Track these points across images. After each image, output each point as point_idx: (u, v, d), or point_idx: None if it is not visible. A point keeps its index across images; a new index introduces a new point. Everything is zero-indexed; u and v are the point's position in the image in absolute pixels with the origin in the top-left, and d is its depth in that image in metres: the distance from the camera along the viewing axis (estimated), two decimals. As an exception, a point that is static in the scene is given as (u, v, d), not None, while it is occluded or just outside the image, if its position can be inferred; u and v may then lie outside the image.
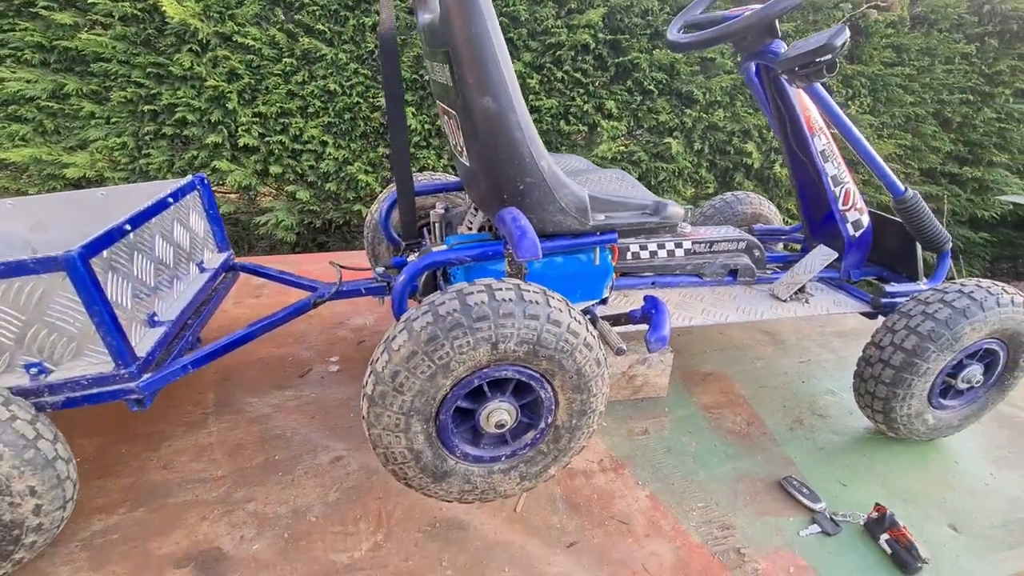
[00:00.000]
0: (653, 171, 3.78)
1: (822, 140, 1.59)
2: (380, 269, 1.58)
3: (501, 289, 0.98)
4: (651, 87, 3.57)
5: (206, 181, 1.61)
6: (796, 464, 1.47)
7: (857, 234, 1.71)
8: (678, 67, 3.57)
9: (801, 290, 1.63)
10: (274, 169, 3.06)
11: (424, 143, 3.38)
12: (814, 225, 1.84)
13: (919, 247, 1.67)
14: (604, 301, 1.43)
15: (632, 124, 3.71)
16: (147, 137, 2.83)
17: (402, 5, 2.98)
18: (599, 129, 3.63)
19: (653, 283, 1.63)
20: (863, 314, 1.64)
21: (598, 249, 1.25)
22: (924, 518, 1.32)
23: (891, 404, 1.43)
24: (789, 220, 3.80)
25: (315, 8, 2.86)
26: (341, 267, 1.56)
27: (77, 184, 2.80)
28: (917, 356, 1.36)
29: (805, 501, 1.32)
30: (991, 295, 1.34)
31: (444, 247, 1.24)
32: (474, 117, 1.06)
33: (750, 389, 1.79)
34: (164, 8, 2.52)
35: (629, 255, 1.59)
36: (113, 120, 2.76)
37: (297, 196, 3.16)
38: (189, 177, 1.56)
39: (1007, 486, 1.43)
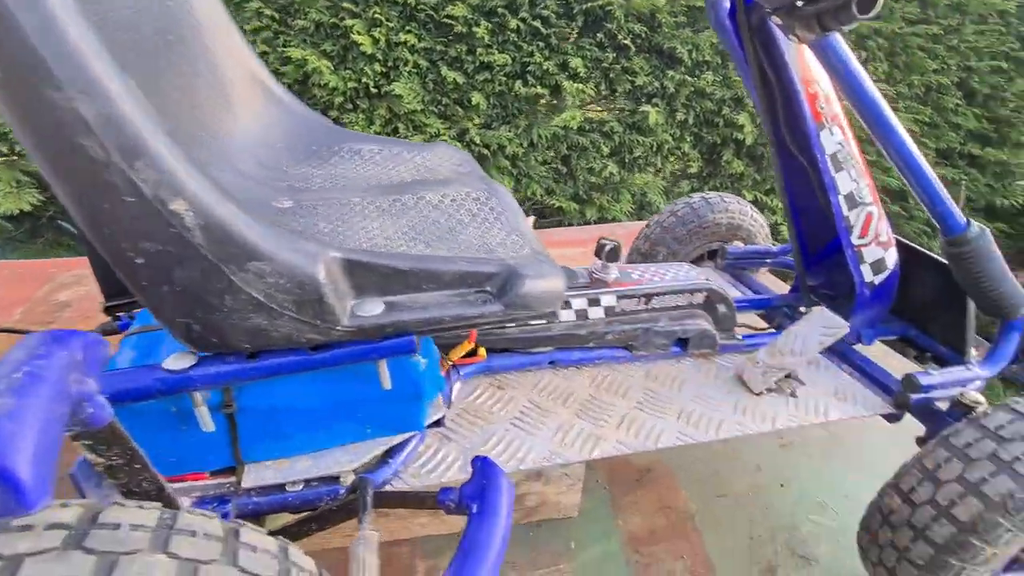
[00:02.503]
0: (628, 145, 3.11)
1: (835, 135, 0.95)
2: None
3: None
4: (626, 42, 2.84)
5: None
6: (760, 676, 0.91)
7: (878, 280, 1.10)
8: (660, 17, 2.84)
9: (788, 375, 1.03)
10: None
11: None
12: (810, 257, 1.22)
13: (971, 307, 1.06)
14: (439, 423, 0.81)
15: (603, 87, 3.00)
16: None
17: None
18: (563, 92, 2.93)
19: (552, 362, 1.01)
20: (884, 417, 1.04)
21: (384, 365, 0.62)
22: None
23: (923, 595, 0.86)
24: (780, 226, 3.18)
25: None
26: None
27: None
28: (977, 536, 0.77)
29: None
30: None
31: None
32: None
33: (702, 500, 1.22)
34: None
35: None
36: None
37: None
38: None
39: None
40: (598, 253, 1.00)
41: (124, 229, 0.45)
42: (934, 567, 0.82)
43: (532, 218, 1.82)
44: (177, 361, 0.54)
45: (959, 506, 0.79)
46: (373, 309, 0.56)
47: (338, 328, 0.54)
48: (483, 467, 0.60)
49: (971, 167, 3.57)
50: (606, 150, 3.09)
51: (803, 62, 0.91)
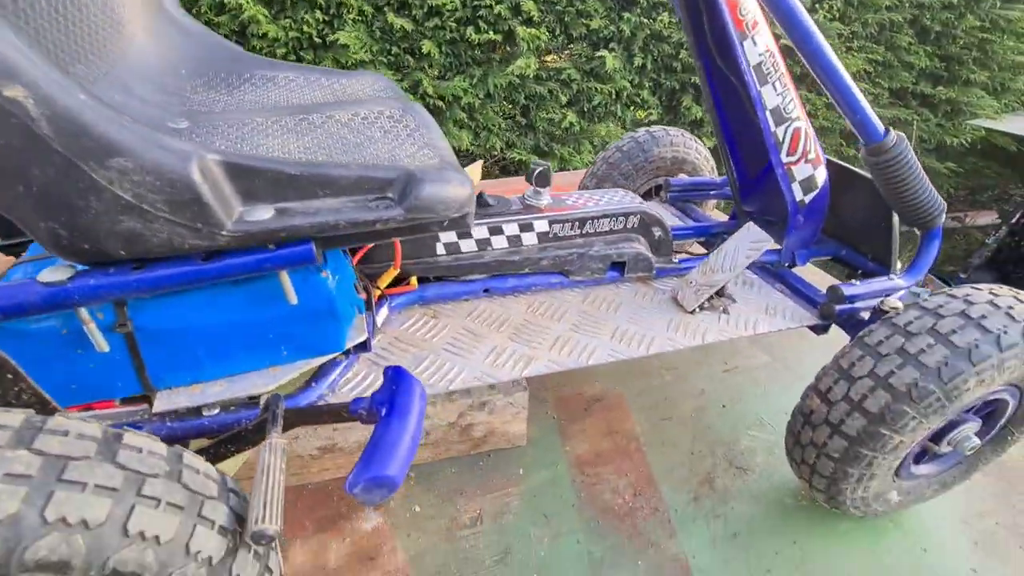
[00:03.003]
0: (586, 93, 3.06)
1: (759, 47, 0.94)
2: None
3: None
4: (580, -18, 2.76)
5: None
6: (692, 573, 0.96)
7: (808, 198, 1.11)
8: (613, -45, 2.75)
9: (719, 293, 1.05)
10: None
11: None
12: (745, 183, 1.23)
13: (896, 220, 1.09)
14: (366, 346, 0.81)
15: (559, 31, 2.92)
16: None
17: None
18: (517, 38, 2.84)
19: (486, 290, 1.01)
20: (811, 327, 1.08)
21: (286, 277, 0.61)
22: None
23: (840, 486, 0.91)
24: None
25: None
26: None
27: None
28: (886, 424, 0.81)
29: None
30: (1015, 320, 0.79)
31: None
32: None
33: (649, 424, 1.26)
34: None
35: (439, 246, 0.95)
36: None
37: None
38: None
39: (996, 590, 0.97)
40: (528, 178, 0.99)
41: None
42: (848, 459, 0.86)
43: (479, 163, 1.79)
44: (53, 273, 0.51)
45: (869, 399, 0.82)
46: (262, 215, 0.55)
47: (223, 233, 0.52)
48: (394, 375, 0.60)
49: (923, 107, 3.63)
50: (564, 99, 3.04)
51: (723, -32, 0.88)
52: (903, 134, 0.96)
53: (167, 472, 0.46)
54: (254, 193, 0.55)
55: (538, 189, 1.00)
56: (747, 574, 0.96)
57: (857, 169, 1.13)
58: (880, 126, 0.95)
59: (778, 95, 0.98)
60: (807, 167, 1.08)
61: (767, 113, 0.99)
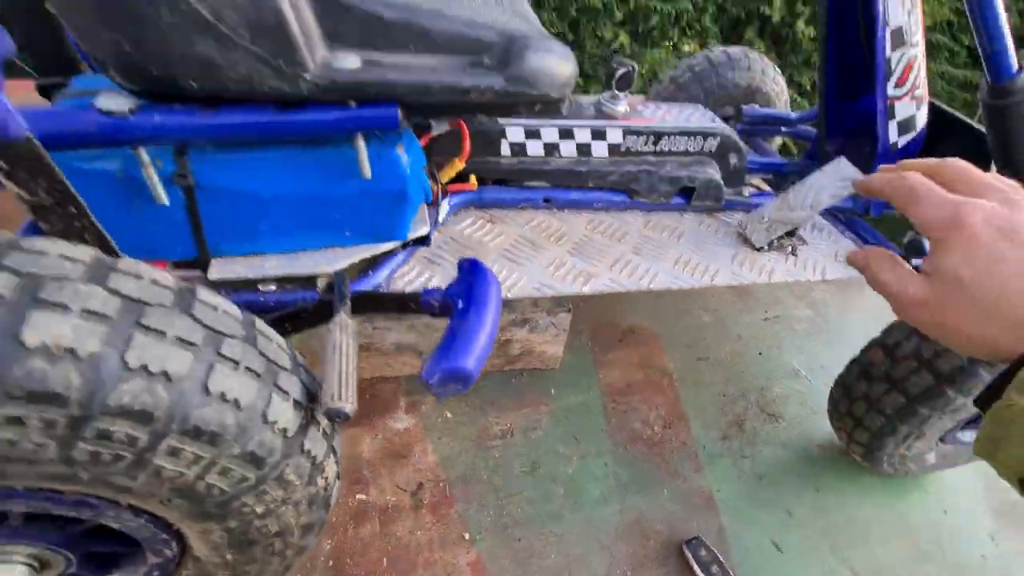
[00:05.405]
0: (642, 11, 2.80)
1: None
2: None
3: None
4: None
5: None
6: (717, 505, 0.97)
7: (902, 140, 1.02)
8: None
9: (790, 233, 0.98)
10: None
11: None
12: (836, 114, 1.12)
13: (994, 171, 1.00)
14: (425, 241, 0.76)
15: (618, -59, 2.63)
16: None
17: None
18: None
19: (546, 199, 0.94)
20: (876, 281, 1.02)
21: (361, 141, 0.54)
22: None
23: (883, 441, 0.89)
24: (801, 102, 2.98)
25: None
26: None
27: None
28: (955, 386, 0.78)
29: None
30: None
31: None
32: None
33: (682, 361, 1.23)
34: None
35: (504, 146, 0.87)
36: None
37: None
38: None
39: (1010, 561, 0.98)
40: (607, 80, 0.89)
41: None
42: (902, 415, 0.84)
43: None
44: (114, 101, 0.45)
45: (943, 359, 0.78)
46: (350, 62, 0.47)
47: (306, 76, 0.45)
48: (471, 267, 0.55)
49: None
50: (620, 15, 2.79)
51: None
52: (1036, 78, 0.85)
53: (243, 336, 0.42)
54: (339, 35, 0.48)
55: (616, 93, 0.90)
56: (769, 511, 0.97)
57: (963, 116, 1.03)
58: (1015, 63, 0.83)
59: (905, 12, 0.86)
60: (911, 105, 0.97)
61: (887, 31, 0.88)
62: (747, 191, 1.07)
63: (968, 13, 0.80)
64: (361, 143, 0.53)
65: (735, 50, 1.40)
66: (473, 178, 0.88)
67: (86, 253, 0.37)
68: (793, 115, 1.37)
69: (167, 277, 0.40)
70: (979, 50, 0.83)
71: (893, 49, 0.89)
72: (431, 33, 0.49)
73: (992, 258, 0.30)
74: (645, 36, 2.94)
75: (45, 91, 0.74)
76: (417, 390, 1.07)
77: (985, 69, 0.84)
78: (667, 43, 3.05)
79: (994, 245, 0.30)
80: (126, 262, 0.38)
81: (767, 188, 1.25)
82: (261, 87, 0.44)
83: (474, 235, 0.85)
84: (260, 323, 0.45)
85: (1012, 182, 0.43)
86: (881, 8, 0.84)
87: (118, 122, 0.45)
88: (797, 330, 1.36)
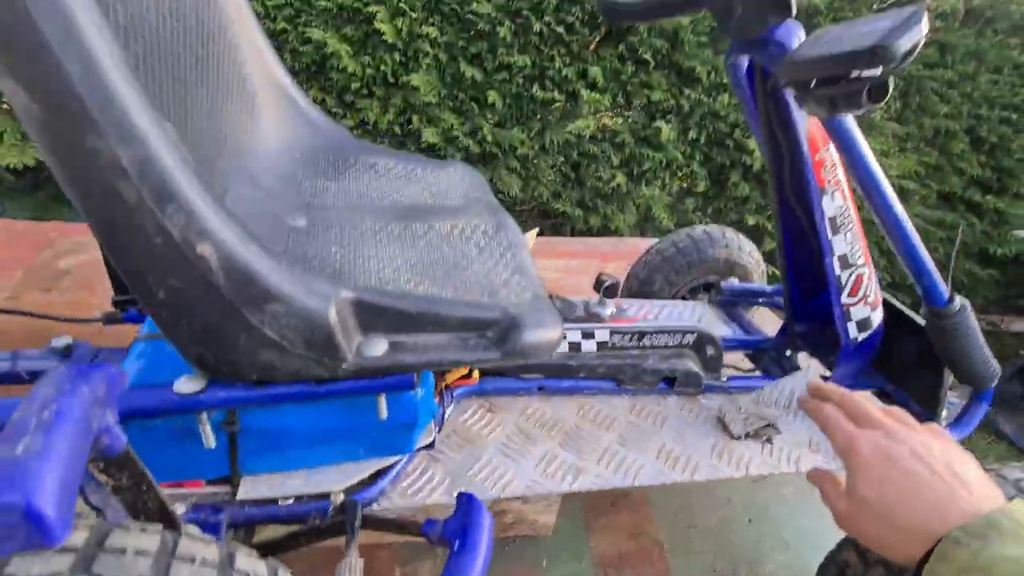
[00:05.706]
0: (637, 158, 3.13)
1: (836, 202, 0.98)
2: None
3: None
4: (647, 56, 2.85)
5: None
6: None
7: (861, 337, 1.13)
8: (682, 35, 2.84)
9: (766, 424, 1.07)
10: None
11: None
12: (800, 306, 1.26)
13: (947, 375, 1.11)
14: (429, 446, 0.85)
15: (620, 99, 3.01)
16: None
17: None
18: (580, 100, 2.94)
19: (540, 388, 1.04)
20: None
21: (383, 398, 0.65)
22: None
23: (867, 645, 0.91)
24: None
25: None
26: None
27: None
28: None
29: None
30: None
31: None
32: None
33: (672, 531, 1.26)
34: None
35: (504, 347, 0.99)
36: None
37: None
38: None
39: None
40: (596, 288, 1.03)
41: (150, 266, 0.48)
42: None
43: (535, 231, 1.84)
44: (188, 384, 0.57)
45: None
46: (377, 349, 0.59)
47: (343, 366, 0.57)
48: (467, 505, 0.64)
49: (969, 212, 3.62)
50: (616, 160, 3.11)
51: (813, 130, 0.93)
52: (967, 301, 0.98)
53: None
54: (371, 326, 0.60)
55: (604, 300, 1.04)
56: None
57: (915, 316, 1.15)
58: (946, 291, 0.97)
59: (848, 244, 1.02)
60: (865, 309, 1.10)
61: (835, 259, 1.02)
62: (725, 374, 1.17)
63: (899, 257, 0.94)
64: (382, 398, 0.65)
65: (714, 229, 1.58)
66: (476, 372, 0.99)
67: (153, 542, 0.45)
68: (768, 288, 1.52)
69: (213, 552, 0.48)
70: (915, 284, 0.96)
71: (841, 270, 1.03)
72: (444, 319, 0.62)
73: (881, 481, 0.41)
74: (639, 177, 3.24)
75: (119, 304, 0.88)
76: (411, 557, 1.10)
77: (922, 296, 0.98)
78: (659, 182, 3.36)
79: (882, 470, 0.41)
80: (183, 544, 0.47)
81: (747, 364, 1.35)
82: (305, 376, 0.56)
83: (474, 427, 0.94)
84: (283, 573, 0.53)
85: (902, 414, 0.55)
86: (826, 243, 1.00)
87: (192, 400, 0.56)
88: (785, 496, 1.40)
